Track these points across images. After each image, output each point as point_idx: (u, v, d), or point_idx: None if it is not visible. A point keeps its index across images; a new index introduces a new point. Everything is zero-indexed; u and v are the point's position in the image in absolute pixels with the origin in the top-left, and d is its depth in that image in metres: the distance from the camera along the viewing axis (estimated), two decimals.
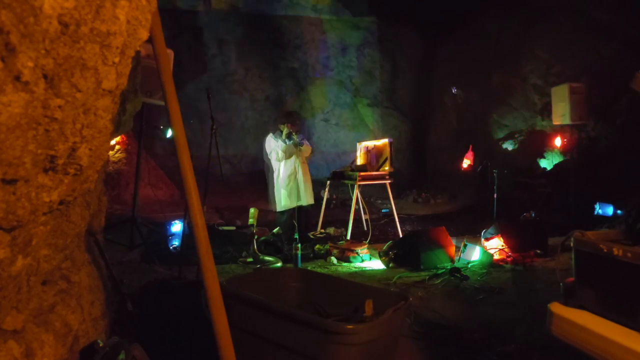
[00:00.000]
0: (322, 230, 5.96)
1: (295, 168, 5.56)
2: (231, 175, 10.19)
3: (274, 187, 5.61)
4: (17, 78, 0.99)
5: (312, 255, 5.00)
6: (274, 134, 5.63)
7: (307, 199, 5.64)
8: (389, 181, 5.97)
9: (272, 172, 5.63)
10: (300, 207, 5.63)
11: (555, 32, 8.32)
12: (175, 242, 5.02)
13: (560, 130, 7.41)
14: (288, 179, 5.52)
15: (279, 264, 4.49)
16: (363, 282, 3.79)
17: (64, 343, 1.69)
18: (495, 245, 4.81)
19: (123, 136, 7.39)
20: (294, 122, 5.71)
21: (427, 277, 4.05)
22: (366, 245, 4.95)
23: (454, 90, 9.98)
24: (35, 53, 1.02)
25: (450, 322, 3.00)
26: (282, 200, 5.53)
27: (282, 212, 5.59)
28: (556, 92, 6.80)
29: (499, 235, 4.83)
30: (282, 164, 5.53)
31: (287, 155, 5.48)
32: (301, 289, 2.49)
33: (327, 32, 11.78)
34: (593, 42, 7.64)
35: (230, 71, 11.19)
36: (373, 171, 6.05)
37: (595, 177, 6.59)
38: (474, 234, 5.50)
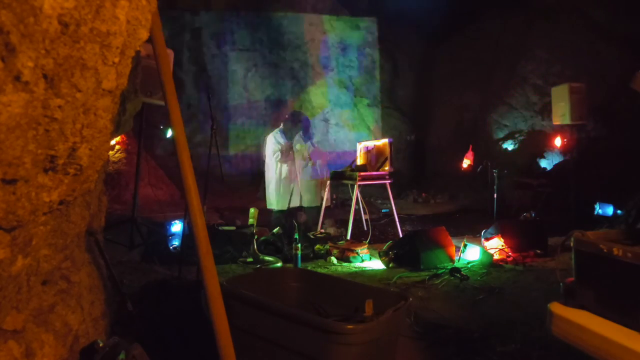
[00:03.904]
0: (322, 230, 5.96)
1: (293, 168, 5.54)
2: (231, 175, 10.19)
3: (268, 185, 5.62)
4: (17, 78, 0.99)
5: (312, 255, 5.00)
6: (279, 130, 5.62)
7: (307, 200, 5.62)
8: (389, 181, 5.97)
9: (269, 170, 5.63)
10: (300, 207, 5.62)
11: (555, 32, 8.33)
12: (175, 242, 5.02)
13: (560, 130, 7.41)
14: (285, 179, 5.51)
15: (279, 264, 4.48)
16: (363, 282, 3.79)
17: (64, 343, 1.69)
18: (495, 245, 4.81)
19: (123, 136, 7.38)
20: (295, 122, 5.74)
21: (427, 277, 4.05)
22: (366, 245, 4.95)
23: None
24: (35, 53, 1.02)
25: (450, 322, 3.00)
26: (274, 199, 5.53)
27: (278, 212, 5.59)
28: (556, 92, 6.80)
29: (499, 235, 4.83)
30: (283, 163, 5.52)
31: (284, 157, 5.48)
32: (301, 289, 2.48)
33: (327, 32, 11.77)
34: (593, 42, 7.65)
35: (230, 71, 11.19)
36: (373, 171, 6.05)
37: (595, 177, 6.59)
38: (474, 234, 5.50)
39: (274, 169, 5.56)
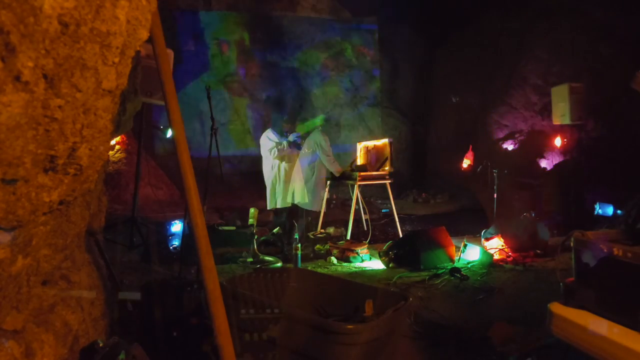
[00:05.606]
0: (322, 230, 5.95)
1: (287, 167, 5.52)
2: (231, 175, 10.19)
3: (267, 184, 5.63)
4: (17, 78, 0.99)
5: (312, 255, 5.01)
6: (271, 129, 5.64)
7: (303, 198, 5.59)
8: (389, 181, 5.97)
9: (266, 169, 5.63)
10: (297, 206, 5.60)
11: (555, 32, 8.32)
12: (175, 242, 5.02)
13: (560, 130, 7.41)
14: (280, 177, 5.50)
15: (279, 264, 4.49)
16: (363, 282, 3.79)
17: (64, 343, 1.69)
18: (495, 245, 4.81)
19: (123, 136, 7.38)
20: (288, 121, 5.76)
21: (427, 277, 4.05)
22: (366, 245, 4.95)
23: (454, 100, 10.12)
24: (35, 53, 1.02)
25: (450, 322, 3.00)
26: (275, 198, 5.53)
27: (278, 211, 5.59)
28: (556, 92, 6.81)
29: (499, 235, 4.83)
30: (282, 161, 5.52)
31: (282, 155, 5.48)
32: (301, 289, 2.49)
33: (327, 32, 11.78)
34: (593, 42, 7.64)
35: (230, 71, 11.19)
36: (373, 171, 6.05)
37: (595, 177, 6.59)
38: (474, 234, 5.50)
39: (271, 167, 5.56)
